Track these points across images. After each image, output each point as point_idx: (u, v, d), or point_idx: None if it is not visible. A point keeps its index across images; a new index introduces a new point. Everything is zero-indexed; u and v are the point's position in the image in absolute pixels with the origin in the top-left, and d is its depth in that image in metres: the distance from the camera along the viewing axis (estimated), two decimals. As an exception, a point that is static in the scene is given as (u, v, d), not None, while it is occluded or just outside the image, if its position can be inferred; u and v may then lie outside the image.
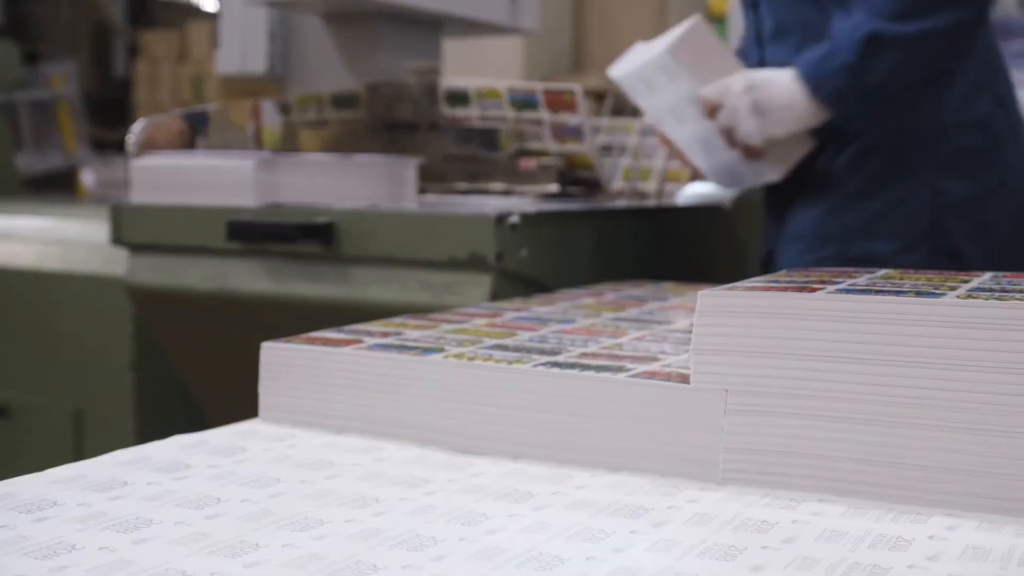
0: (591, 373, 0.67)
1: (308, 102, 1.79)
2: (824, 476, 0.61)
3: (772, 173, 1.39)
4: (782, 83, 1.26)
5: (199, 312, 1.37)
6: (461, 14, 2.05)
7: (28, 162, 2.90)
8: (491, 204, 1.38)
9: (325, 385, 0.75)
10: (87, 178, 3.07)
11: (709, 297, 0.64)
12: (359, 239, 1.24)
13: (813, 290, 0.63)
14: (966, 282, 0.67)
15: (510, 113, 1.75)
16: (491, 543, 0.53)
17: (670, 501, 0.60)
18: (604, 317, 0.91)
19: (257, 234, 1.25)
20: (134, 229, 1.40)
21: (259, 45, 1.97)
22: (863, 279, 0.69)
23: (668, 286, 1.18)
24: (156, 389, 1.82)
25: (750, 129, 1.29)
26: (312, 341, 0.78)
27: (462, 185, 1.79)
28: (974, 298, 0.59)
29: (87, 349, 1.92)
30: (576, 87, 1.69)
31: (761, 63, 1.44)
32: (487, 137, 1.79)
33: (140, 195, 1.39)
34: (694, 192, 1.81)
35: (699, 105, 1.34)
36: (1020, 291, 0.61)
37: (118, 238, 1.41)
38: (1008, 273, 0.73)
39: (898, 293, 0.61)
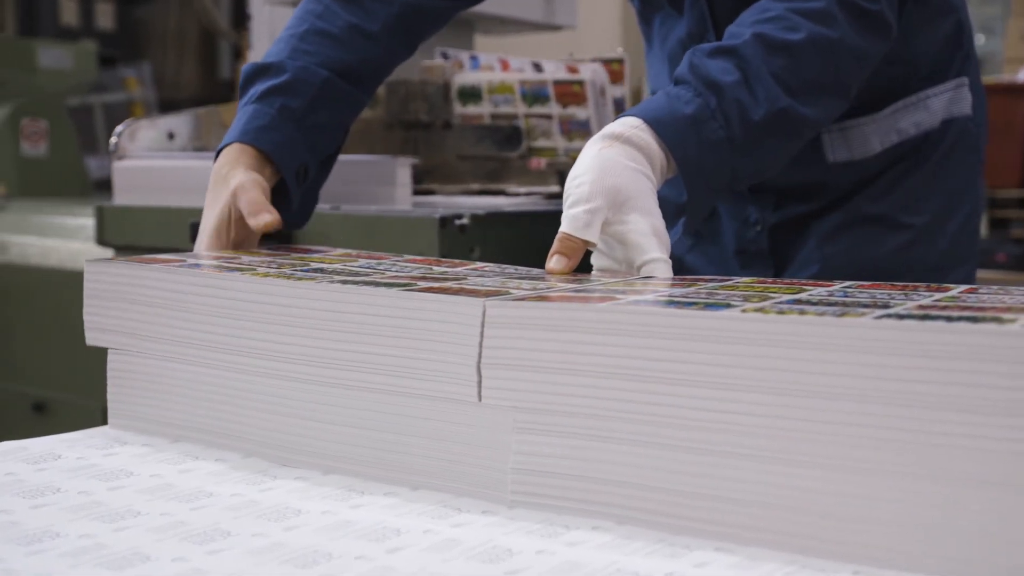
0: (393, 387, 0.64)
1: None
2: (604, 501, 0.57)
3: None
4: None
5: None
6: (494, 12, 2.03)
7: (101, 164, 2.97)
8: (459, 204, 1.35)
9: (165, 394, 0.74)
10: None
11: (496, 308, 0.60)
12: (316, 240, 1.22)
13: (600, 300, 0.58)
14: (796, 292, 0.62)
15: (521, 108, 1.72)
16: (199, 564, 0.51)
17: (431, 525, 0.56)
18: None
19: (217, 236, 1.24)
20: (116, 230, 1.41)
21: (287, 46, 1.98)
22: (689, 289, 0.64)
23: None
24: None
25: None
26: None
27: (475, 186, 1.76)
28: (765, 312, 0.54)
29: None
30: (586, 77, 1.65)
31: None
32: (510, 134, 1.76)
33: (121, 197, 1.41)
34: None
35: None
36: (837, 304, 0.56)
37: (102, 239, 1.43)
38: (867, 283, 0.67)
39: (685, 306, 0.56)
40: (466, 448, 0.61)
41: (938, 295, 0.61)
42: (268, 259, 0.81)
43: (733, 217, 1.12)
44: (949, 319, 0.50)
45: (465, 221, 1.15)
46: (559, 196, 1.64)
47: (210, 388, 0.71)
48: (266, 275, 0.70)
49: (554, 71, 1.72)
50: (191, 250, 1.27)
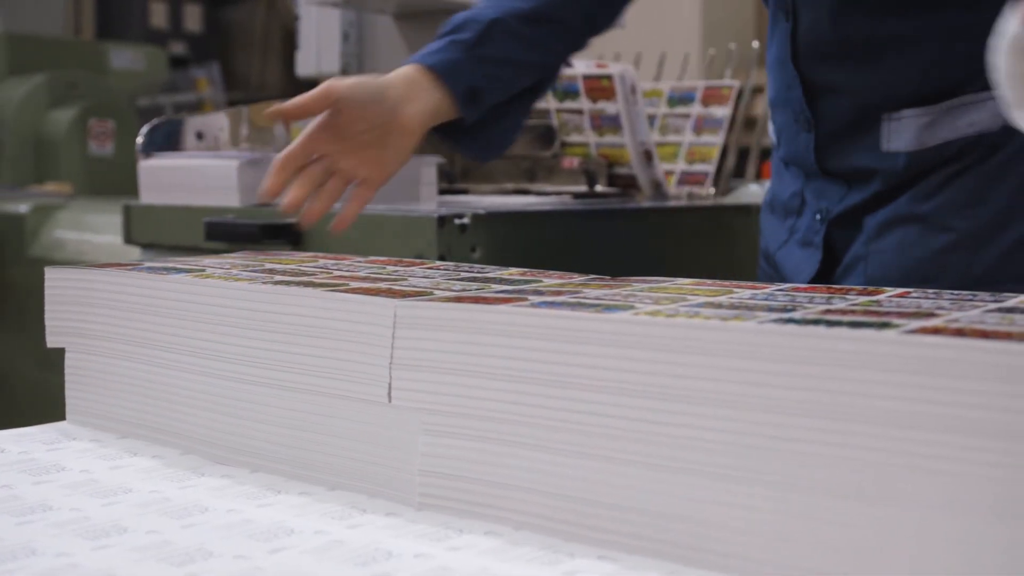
0: (314, 386, 0.64)
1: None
2: (504, 506, 0.56)
3: None
4: None
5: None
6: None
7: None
8: (485, 204, 1.35)
9: (115, 391, 0.75)
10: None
11: (406, 309, 0.59)
12: (322, 239, 1.23)
13: (505, 302, 0.57)
14: (718, 294, 0.60)
15: (553, 103, 1.72)
16: (78, 560, 0.51)
17: (326, 526, 0.56)
18: None
19: (229, 235, 1.26)
20: (142, 229, 1.44)
21: (333, 46, 1.99)
22: (610, 291, 0.63)
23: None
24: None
25: None
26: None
27: (509, 185, 1.76)
28: (654, 315, 0.52)
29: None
30: (614, 71, 1.63)
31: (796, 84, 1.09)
32: (543, 133, 1.75)
33: (147, 196, 1.43)
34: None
35: None
36: (743, 307, 0.54)
37: (129, 237, 1.46)
38: (803, 286, 0.65)
39: (586, 308, 0.55)
40: (377, 449, 0.61)
41: (862, 298, 0.58)
42: (227, 262, 0.81)
43: (811, 208, 1.12)
44: (830, 324, 0.48)
45: (465, 221, 1.14)
46: (587, 196, 1.63)
47: (152, 385, 0.72)
48: (208, 276, 0.71)
49: (583, 68, 1.71)
50: (205, 249, 1.29)
